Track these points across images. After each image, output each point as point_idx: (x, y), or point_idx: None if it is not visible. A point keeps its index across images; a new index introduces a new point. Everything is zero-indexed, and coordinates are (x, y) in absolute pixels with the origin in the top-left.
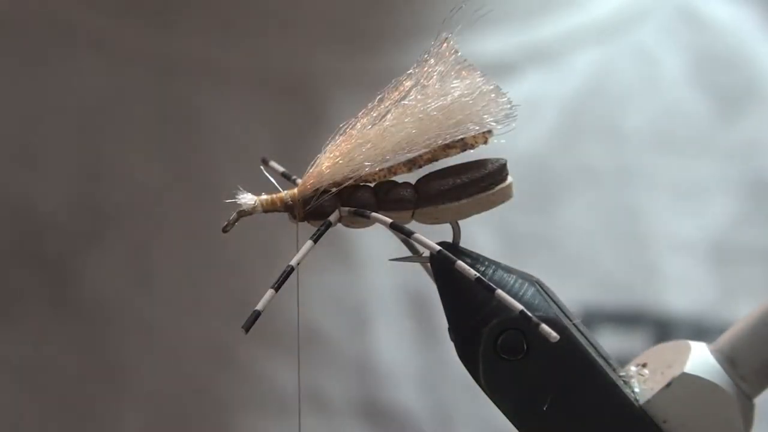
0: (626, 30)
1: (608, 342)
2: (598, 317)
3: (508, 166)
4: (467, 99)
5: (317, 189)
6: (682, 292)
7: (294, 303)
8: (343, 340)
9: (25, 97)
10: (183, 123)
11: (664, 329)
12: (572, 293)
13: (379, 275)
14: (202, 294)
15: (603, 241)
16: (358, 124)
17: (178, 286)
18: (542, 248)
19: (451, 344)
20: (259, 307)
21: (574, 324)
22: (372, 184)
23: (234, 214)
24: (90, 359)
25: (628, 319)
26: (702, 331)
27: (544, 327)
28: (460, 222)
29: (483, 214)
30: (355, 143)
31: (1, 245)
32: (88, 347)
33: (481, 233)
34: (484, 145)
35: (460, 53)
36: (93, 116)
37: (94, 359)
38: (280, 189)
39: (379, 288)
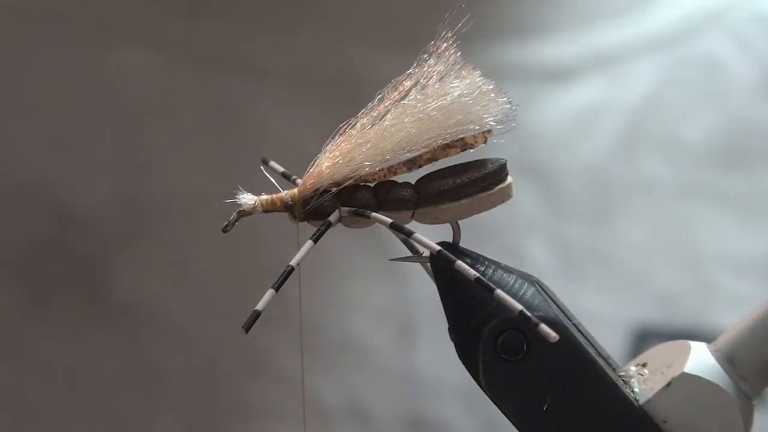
0: (692, 37)
1: None
2: (652, 334)
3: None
4: (467, 99)
5: (317, 189)
6: (738, 311)
7: (333, 311)
8: (388, 353)
9: (67, 91)
10: (227, 121)
11: None
12: (627, 309)
13: (426, 286)
14: (239, 296)
15: (660, 257)
16: (358, 124)
17: (215, 289)
18: (598, 263)
19: None
20: (259, 307)
21: (574, 324)
22: (372, 184)
23: (234, 214)
24: (124, 359)
25: (683, 337)
26: None
27: (544, 327)
28: (461, 222)
29: (539, 226)
30: (355, 143)
31: (37, 242)
32: (122, 347)
33: (537, 246)
34: (484, 145)
35: (460, 56)
36: (135, 113)
37: (129, 359)
38: (280, 189)
39: (425, 300)
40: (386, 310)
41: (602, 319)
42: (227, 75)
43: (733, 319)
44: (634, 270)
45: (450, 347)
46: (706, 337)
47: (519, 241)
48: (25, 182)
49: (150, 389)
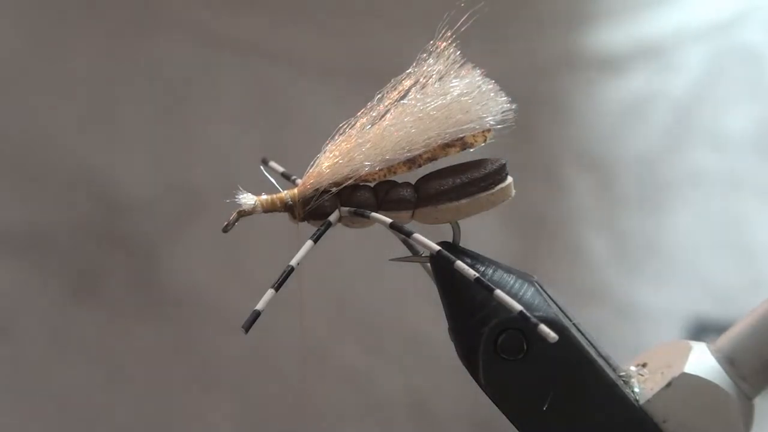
0: (735, 26)
1: None
2: (706, 328)
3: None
4: (466, 98)
5: (317, 189)
6: None
7: (396, 307)
8: (449, 346)
9: (112, 76)
10: (268, 106)
11: None
12: (682, 302)
13: None
14: (290, 286)
15: (712, 250)
16: (357, 123)
17: (270, 274)
18: (652, 255)
19: None
20: (259, 306)
21: (574, 324)
22: (372, 184)
23: (234, 214)
24: (177, 346)
25: None
26: None
27: (543, 327)
28: (460, 221)
29: (594, 218)
30: (355, 143)
31: (88, 227)
32: (175, 334)
33: (593, 238)
34: (483, 144)
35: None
36: (180, 99)
37: (181, 346)
38: (280, 189)
39: None
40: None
41: (658, 312)
42: (266, 62)
43: None
44: (687, 263)
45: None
46: None
47: (575, 232)
48: (73, 168)
49: (202, 378)
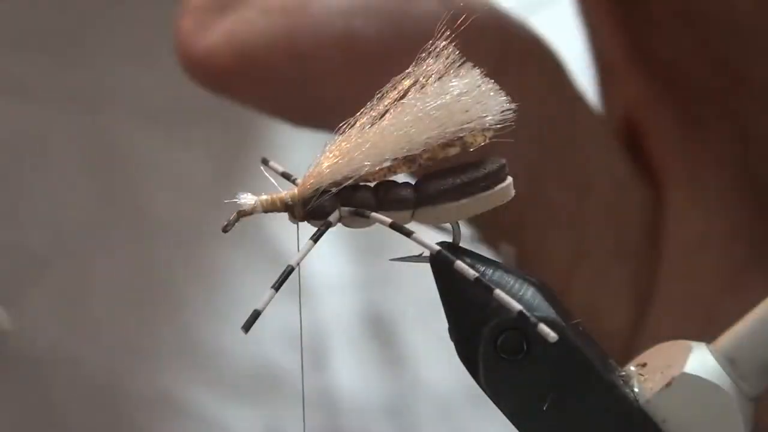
0: None
1: None
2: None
3: None
4: (466, 98)
5: (317, 189)
6: None
7: (238, 337)
8: (300, 375)
9: None
10: (106, 157)
11: None
12: None
13: (332, 301)
14: (141, 334)
15: None
16: (357, 123)
17: (115, 328)
18: None
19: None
20: (259, 306)
21: (574, 324)
22: (372, 184)
23: (234, 215)
24: (25, 413)
25: None
26: None
27: (543, 327)
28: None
29: None
30: (355, 143)
31: None
32: (21, 401)
33: None
34: (483, 144)
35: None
36: (11, 157)
37: (29, 413)
38: (280, 189)
39: (334, 315)
40: (293, 330)
41: None
42: (99, 110)
43: None
44: None
45: (363, 364)
46: None
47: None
48: None
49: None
